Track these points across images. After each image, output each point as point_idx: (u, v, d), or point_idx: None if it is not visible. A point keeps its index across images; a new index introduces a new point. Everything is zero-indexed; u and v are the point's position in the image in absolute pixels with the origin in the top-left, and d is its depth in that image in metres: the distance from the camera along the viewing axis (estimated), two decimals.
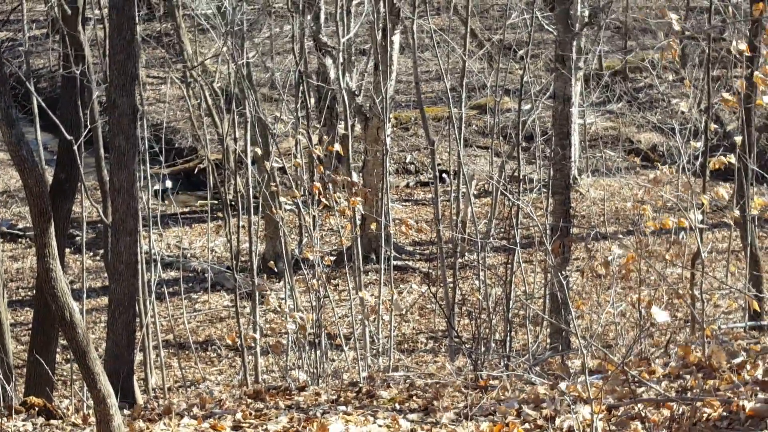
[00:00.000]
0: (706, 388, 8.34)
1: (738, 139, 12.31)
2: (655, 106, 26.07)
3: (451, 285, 15.86)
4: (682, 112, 19.33)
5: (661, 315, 9.41)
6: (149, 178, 18.30)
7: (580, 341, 10.41)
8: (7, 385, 12.96)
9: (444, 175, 23.23)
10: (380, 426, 8.28)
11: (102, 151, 14.64)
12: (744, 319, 14.13)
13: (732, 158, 11.19)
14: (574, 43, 16.80)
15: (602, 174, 24.49)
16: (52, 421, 9.00)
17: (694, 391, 8.30)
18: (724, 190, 10.71)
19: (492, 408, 8.67)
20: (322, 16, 21.77)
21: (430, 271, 22.14)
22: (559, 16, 16.19)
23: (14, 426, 8.71)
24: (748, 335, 11.93)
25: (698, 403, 7.85)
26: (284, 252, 15.78)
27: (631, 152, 23.82)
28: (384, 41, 20.04)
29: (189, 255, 23.16)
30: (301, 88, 19.64)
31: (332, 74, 20.25)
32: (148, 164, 18.59)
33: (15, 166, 7.22)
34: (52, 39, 25.93)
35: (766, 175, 11.56)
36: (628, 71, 28.09)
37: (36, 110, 17.14)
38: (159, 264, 19.03)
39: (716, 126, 19.63)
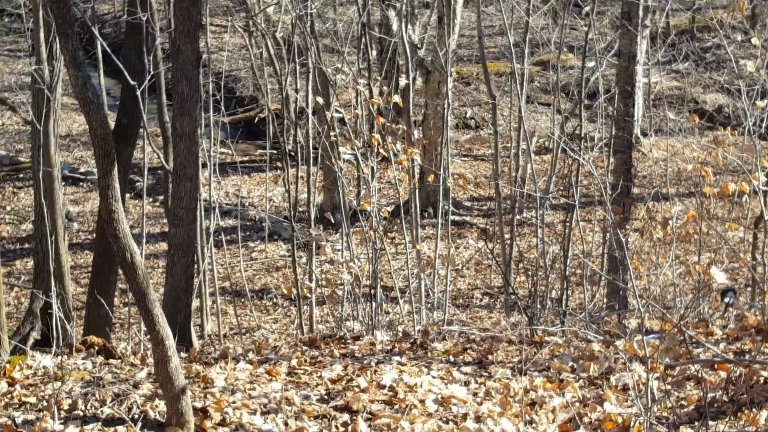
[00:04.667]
0: (765, 351, 8.33)
1: None
2: (722, 66, 25.86)
3: (509, 241, 15.90)
4: (750, 73, 19.18)
5: (720, 276, 9.37)
6: (211, 125, 18.42)
7: (638, 301, 10.41)
8: (67, 325, 13.18)
9: None
10: (434, 377, 8.34)
11: (164, 97, 14.77)
12: None
13: None
14: (644, 23, 16.71)
15: (666, 134, 24.34)
16: (111, 361, 9.13)
17: (752, 353, 8.28)
18: None
19: (546, 364, 8.71)
20: None
21: (488, 227, 22.17)
22: None
23: (74, 363, 8.83)
24: None
25: (755, 366, 7.84)
26: (342, 203, 15.82)
27: (696, 113, 23.68)
28: (445, 9, 20.01)
29: (247, 204, 23.31)
30: (363, 39, 19.65)
31: (395, 26, 20.29)
32: (211, 112, 18.71)
33: (80, 108, 7.27)
34: None
35: None
36: (696, 30, 27.88)
37: (100, 55, 17.27)
38: (217, 211, 19.13)
39: None
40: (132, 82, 12.67)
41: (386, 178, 19.89)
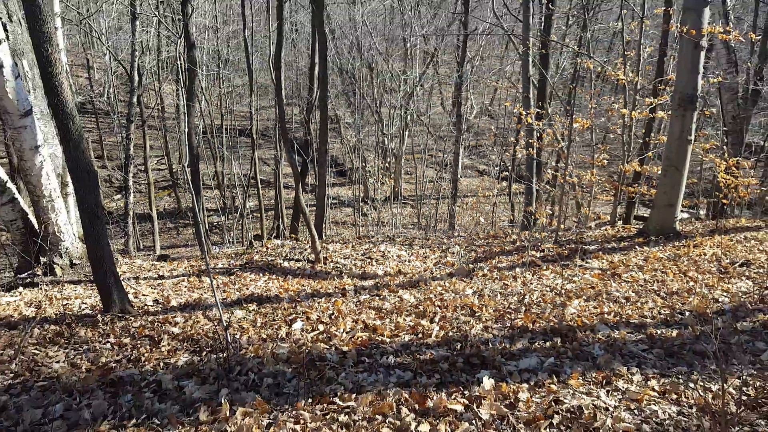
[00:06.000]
0: (496, 242, 8.35)
1: (509, 169, 12.27)
2: (487, 157, 25.54)
3: (419, 207, 15.87)
4: (494, 159, 19.09)
5: (482, 219, 9.29)
6: (328, 171, 18.15)
7: (457, 227, 10.36)
8: (285, 231, 13.03)
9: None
10: (397, 248, 8.31)
11: (315, 162, 14.66)
12: (509, 223, 14.12)
13: (507, 173, 11.17)
14: (461, 138, 16.54)
15: (468, 177, 24.28)
16: (297, 242, 9.11)
17: (492, 243, 8.31)
18: (506, 183, 10.59)
19: (429, 244, 8.70)
20: (386, 122, 21.53)
21: (414, 203, 22.05)
22: (456, 126, 15.95)
23: (287, 243, 8.85)
24: (510, 228, 11.90)
25: (494, 245, 7.86)
26: (369, 195, 15.79)
27: (478, 171, 23.40)
28: (402, 135, 19.87)
29: (339, 195, 23.00)
30: (377, 146, 19.52)
31: (386, 141, 20.24)
32: (328, 167, 18.46)
33: (289, 165, 7.23)
34: (301, 126, 25.85)
35: (518, 179, 11.46)
36: (479, 144, 27.51)
37: (295, 148, 17.17)
38: (331, 197, 18.92)
39: (505, 162, 19.49)
40: (305, 157, 12.59)
41: (384, 188, 19.76)
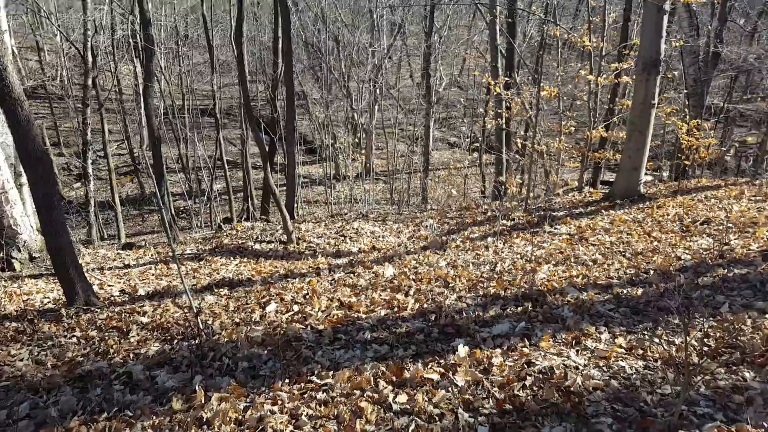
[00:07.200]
0: (468, 213, 8.41)
1: (480, 140, 12.29)
2: (457, 129, 25.47)
3: (391, 182, 15.88)
4: (465, 131, 19.05)
5: (455, 192, 9.33)
6: (297, 149, 17.83)
7: (430, 200, 10.37)
8: (254, 213, 12.88)
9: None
10: (371, 225, 8.30)
11: (283, 140, 14.41)
12: (481, 194, 14.23)
13: (478, 145, 11.19)
14: (432, 111, 16.44)
15: (439, 150, 24.23)
16: (269, 223, 8.99)
17: (465, 214, 8.37)
18: (476, 155, 10.61)
19: (403, 219, 8.71)
20: (354, 97, 21.21)
21: (386, 179, 21.93)
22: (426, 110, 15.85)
23: (257, 225, 8.72)
24: (481, 199, 11.99)
25: (465, 219, 7.92)
26: (344, 170, 15.65)
27: (449, 143, 23.40)
28: (372, 110, 19.67)
29: (311, 173, 22.68)
30: (348, 121, 19.25)
31: (362, 120, 19.99)
32: (297, 146, 18.14)
33: (256, 145, 7.08)
34: (266, 104, 25.26)
35: (488, 150, 11.50)
36: (449, 119, 27.46)
37: (263, 127, 16.81)
38: (301, 176, 18.63)
39: (475, 134, 19.49)
40: (272, 136, 12.35)
41: (355, 164, 19.55)
